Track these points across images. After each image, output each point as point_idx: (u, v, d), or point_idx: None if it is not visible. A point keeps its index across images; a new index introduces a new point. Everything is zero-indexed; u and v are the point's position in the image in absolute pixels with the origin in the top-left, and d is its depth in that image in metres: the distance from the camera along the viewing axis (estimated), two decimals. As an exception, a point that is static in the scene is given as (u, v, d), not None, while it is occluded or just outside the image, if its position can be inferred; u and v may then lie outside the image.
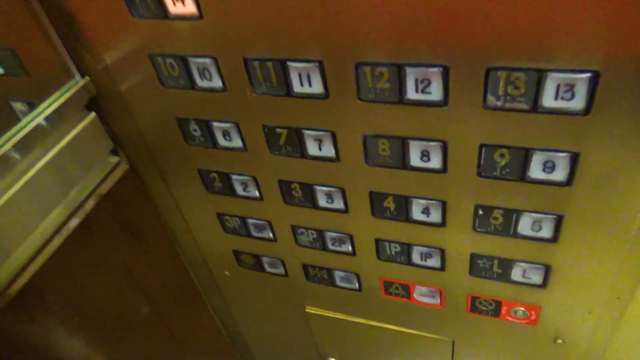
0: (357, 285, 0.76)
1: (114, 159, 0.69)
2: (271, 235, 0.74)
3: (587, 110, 0.43)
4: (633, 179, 0.47)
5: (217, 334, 1.03)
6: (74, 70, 0.59)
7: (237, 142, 0.62)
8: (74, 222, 0.63)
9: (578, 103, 0.42)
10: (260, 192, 0.67)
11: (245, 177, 0.66)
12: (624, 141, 0.44)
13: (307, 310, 0.87)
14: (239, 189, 0.68)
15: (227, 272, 0.88)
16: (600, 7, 0.37)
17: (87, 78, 0.60)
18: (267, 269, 0.82)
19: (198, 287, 0.93)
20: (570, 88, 0.42)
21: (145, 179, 0.74)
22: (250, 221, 0.73)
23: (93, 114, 0.63)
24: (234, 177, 0.67)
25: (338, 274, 0.76)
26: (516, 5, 0.39)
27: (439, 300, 0.72)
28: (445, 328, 0.77)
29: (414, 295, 0.73)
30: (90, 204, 0.66)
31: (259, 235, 0.75)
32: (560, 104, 0.43)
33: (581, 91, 0.41)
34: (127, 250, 0.76)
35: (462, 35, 0.42)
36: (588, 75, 0.41)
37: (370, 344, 0.88)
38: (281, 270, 0.81)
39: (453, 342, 0.80)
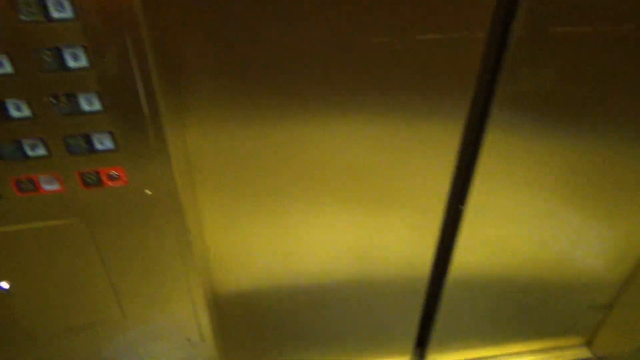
0: (-6, 193, 1.00)
1: None
2: None
3: (74, 18, 0.80)
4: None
5: None
6: None
7: None
8: None
9: (67, 13, 0.79)
10: None
11: None
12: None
13: (-38, 235, 1.06)
14: None
15: None
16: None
17: None
18: None
19: None
20: (61, 3, 0.78)
21: None
22: None
23: None
24: None
25: (-24, 187, 0.98)
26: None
27: (59, 185, 1.02)
28: (76, 210, 1.08)
29: (42, 186, 1.01)
30: None
31: None
32: (59, 15, 0.79)
33: (67, 5, 0.78)
34: None
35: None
36: (67, -4, 0.77)
37: (21, 252, 1.12)
38: None
39: (87, 224, 1.10)
